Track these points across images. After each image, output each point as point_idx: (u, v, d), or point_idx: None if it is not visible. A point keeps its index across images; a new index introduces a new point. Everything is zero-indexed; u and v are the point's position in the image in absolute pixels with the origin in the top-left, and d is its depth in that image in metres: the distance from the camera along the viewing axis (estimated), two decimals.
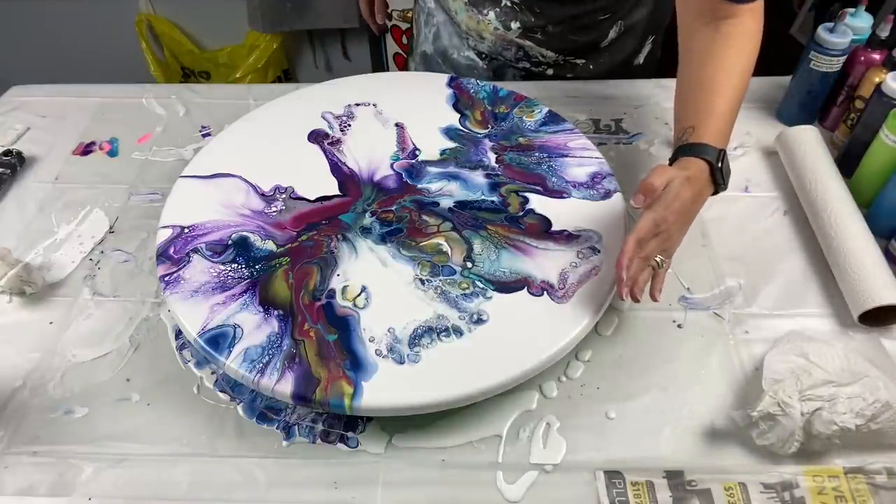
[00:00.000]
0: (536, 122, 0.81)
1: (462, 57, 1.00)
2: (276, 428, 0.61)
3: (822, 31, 0.82)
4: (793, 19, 1.47)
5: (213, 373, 0.65)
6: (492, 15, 0.91)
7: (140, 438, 0.61)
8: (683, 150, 0.63)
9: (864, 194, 0.77)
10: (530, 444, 0.60)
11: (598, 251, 0.65)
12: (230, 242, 0.67)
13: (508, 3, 0.89)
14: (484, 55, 0.98)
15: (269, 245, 0.67)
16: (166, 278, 0.64)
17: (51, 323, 0.70)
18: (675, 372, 0.64)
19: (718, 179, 0.63)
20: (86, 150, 0.90)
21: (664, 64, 1.03)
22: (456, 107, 0.83)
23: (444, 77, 0.87)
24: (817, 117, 0.91)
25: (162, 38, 1.73)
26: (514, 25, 0.90)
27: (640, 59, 1.00)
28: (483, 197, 0.72)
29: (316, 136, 0.80)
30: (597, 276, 0.63)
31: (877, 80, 0.78)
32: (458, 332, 0.60)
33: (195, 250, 0.66)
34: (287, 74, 1.82)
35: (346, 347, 0.58)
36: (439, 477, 0.58)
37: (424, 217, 0.70)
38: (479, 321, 0.60)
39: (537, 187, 0.72)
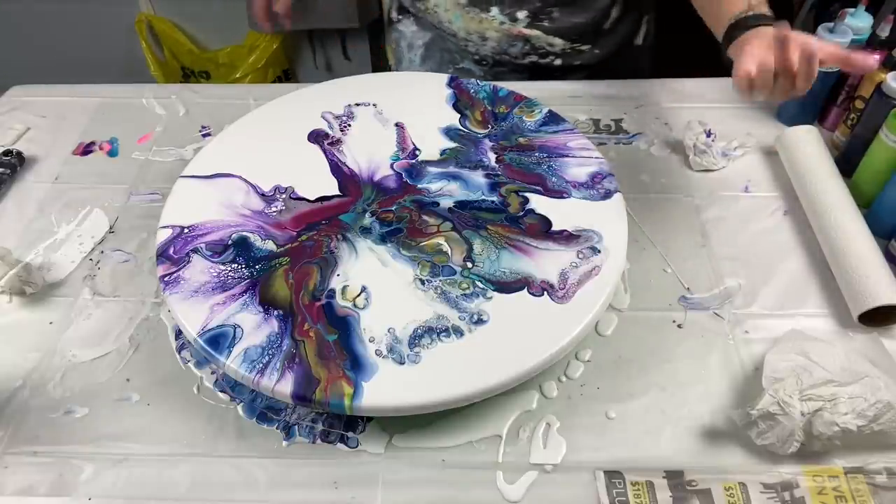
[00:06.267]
0: (536, 122, 0.81)
1: (457, 71, 1.01)
2: (276, 428, 0.61)
3: (822, 31, 0.82)
4: (793, 19, 1.47)
5: (213, 373, 0.65)
6: (495, 10, 0.92)
7: (140, 438, 0.61)
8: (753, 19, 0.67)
9: (864, 194, 0.77)
10: (530, 444, 0.60)
11: (598, 251, 0.65)
12: (230, 242, 0.67)
13: None
14: (485, 61, 0.98)
15: (269, 245, 0.67)
16: (166, 278, 0.64)
17: (51, 323, 0.70)
18: (675, 372, 0.64)
19: None
20: (86, 150, 0.90)
21: (659, 42, 1.04)
22: (456, 107, 0.83)
23: (444, 77, 0.87)
24: (817, 117, 0.91)
25: (162, 38, 1.72)
26: (522, 15, 0.91)
27: (639, 39, 1.01)
28: (483, 197, 0.72)
29: (316, 136, 0.80)
30: (597, 276, 0.63)
31: (877, 80, 0.78)
32: (458, 332, 0.59)
33: (195, 250, 0.66)
34: (287, 74, 1.82)
35: (346, 347, 0.58)
36: (439, 477, 0.58)
37: (424, 217, 0.70)
38: (479, 321, 0.60)
39: (537, 187, 0.72)
